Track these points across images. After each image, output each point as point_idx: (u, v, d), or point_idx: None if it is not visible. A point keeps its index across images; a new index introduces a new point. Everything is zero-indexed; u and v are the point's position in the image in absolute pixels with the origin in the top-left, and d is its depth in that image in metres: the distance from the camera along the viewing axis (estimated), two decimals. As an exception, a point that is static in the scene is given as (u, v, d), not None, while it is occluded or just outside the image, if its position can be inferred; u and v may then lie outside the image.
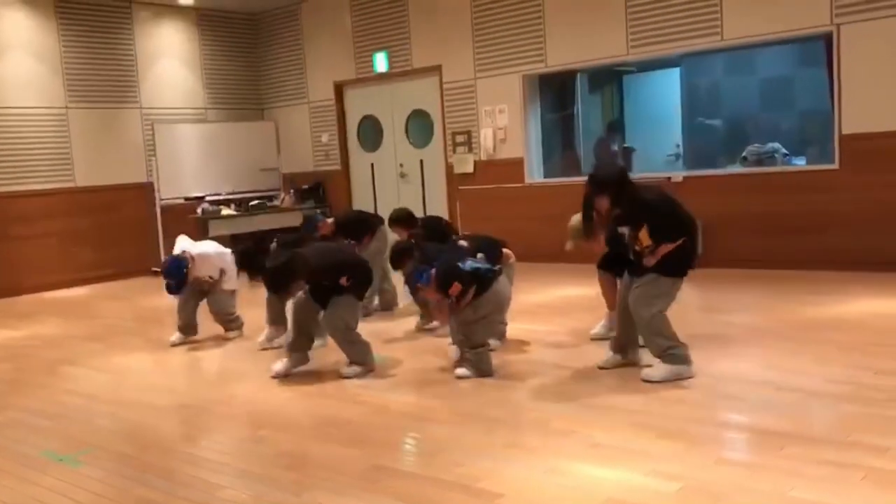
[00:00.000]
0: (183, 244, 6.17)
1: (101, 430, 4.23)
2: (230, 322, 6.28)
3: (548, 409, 4.07)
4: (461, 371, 4.68)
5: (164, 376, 5.39)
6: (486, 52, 9.52)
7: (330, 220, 6.94)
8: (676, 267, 4.53)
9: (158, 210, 10.32)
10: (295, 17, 11.38)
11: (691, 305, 6.80)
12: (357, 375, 4.84)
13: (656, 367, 4.46)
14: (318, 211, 9.86)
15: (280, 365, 4.97)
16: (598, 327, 5.42)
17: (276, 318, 5.91)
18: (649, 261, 4.44)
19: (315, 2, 11.05)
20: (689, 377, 4.39)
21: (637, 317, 4.51)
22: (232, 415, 4.39)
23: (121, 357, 5.91)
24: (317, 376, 4.94)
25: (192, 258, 6.01)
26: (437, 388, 4.57)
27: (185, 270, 5.92)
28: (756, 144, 8.70)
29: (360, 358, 4.92)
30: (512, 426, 3.88)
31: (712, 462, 3.26)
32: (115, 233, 10.18)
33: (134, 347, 6.22)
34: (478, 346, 4.71)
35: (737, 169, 8.44)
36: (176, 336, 6.20)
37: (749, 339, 5.24)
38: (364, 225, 6.88)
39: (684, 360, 4.48)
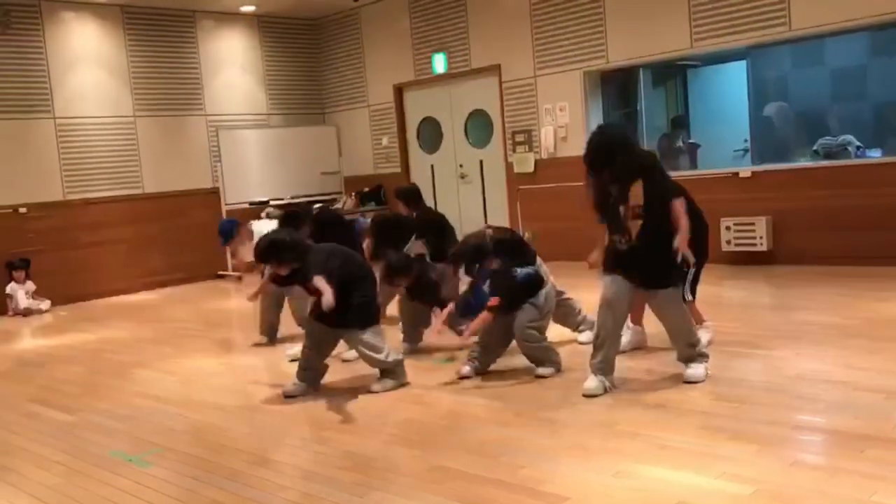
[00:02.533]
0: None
1: (170, 432, 4.29)
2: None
3: (613, 411, 3.98)
4: (543, 370, 4.63)
5: (232, 378, 5.45)
6: (545, 49, 9.43)
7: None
8: (678, 271, 4.33)
9: (224, 215, 10.48)
10: (354, 21, 11.45)
11: (764, 304, 6.68)
12: (385, 389, 4.66)
13: (695, 368, 4.30)
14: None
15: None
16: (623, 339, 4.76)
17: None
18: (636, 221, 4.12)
19: (374, 5, 11.10)
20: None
21: (678, 328, 4.34)
22: (296, 416, 4.40)
23: (189, 360, 6.01)
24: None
25: (249, 229, 6.46)
26: (500, 390, 4.51)
27: (234, 229, 6.56)
28: (827, 137, 8.40)
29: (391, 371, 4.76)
30: (577, 428, 3.80)
31: (787, 465, 3.13)
32: (183, 238, 10.38)
33: (201, 350, 6.32)
34: (542, 340, 4.67)
35: (807, 163, 8.17)
36: (260, 339, 6.30)
37: (824, 339, 5.05)
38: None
39: (707, 355, 4.39)
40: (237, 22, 11.11)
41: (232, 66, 11.11)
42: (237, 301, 9.23)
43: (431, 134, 11.03)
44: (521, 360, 4.86)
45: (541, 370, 4.66)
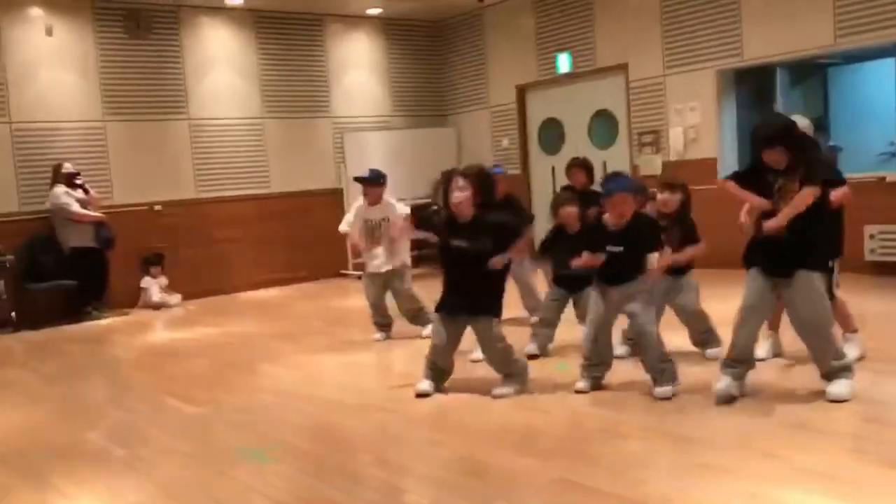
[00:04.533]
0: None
1: (291, 427, 4.33)
2: (417, 317, 6.32)
3: (746, 428, 3.74)
4: (662, 391, 4.26)
5: (352, 376, 5.46)
6: (676, 47, 9.11)
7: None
8: (823, 257, 4.10)
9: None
10: (478, 22, 11.41)
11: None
12: (510, 395, 4.52)
13: (838, 384, 3.98)
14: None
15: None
16: (761, 351, 4.60)
17: None
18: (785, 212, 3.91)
19: (499, 6, 11.02)
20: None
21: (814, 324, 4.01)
22: (416, 417, 4.35)
23: (311, 356, 6.09)
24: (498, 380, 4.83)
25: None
26: (626, 401, 4.32)
27: (381, 177, 6.46)
28: None
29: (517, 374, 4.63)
30: (707, 445, 3.57)
31: (949, 498, 2.84)
32: (308, 237, 10.59)
33: (324, 347, 6.39)
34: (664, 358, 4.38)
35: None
36: (378, 335, 6.39)
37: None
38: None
39: (852, 370, 4.03)
40: (363, 25, 11.26)
41: (357, 69, 11.27)
42: (358, 300, 9.32)
43: (553, 135, 10.85)
44: (638, 374, 4.66)
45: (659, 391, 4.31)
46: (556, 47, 10.37)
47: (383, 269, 6.37)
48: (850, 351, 4.37)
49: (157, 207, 9.59)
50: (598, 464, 3.41)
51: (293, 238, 10.53)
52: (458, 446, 3.79)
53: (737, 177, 4.22)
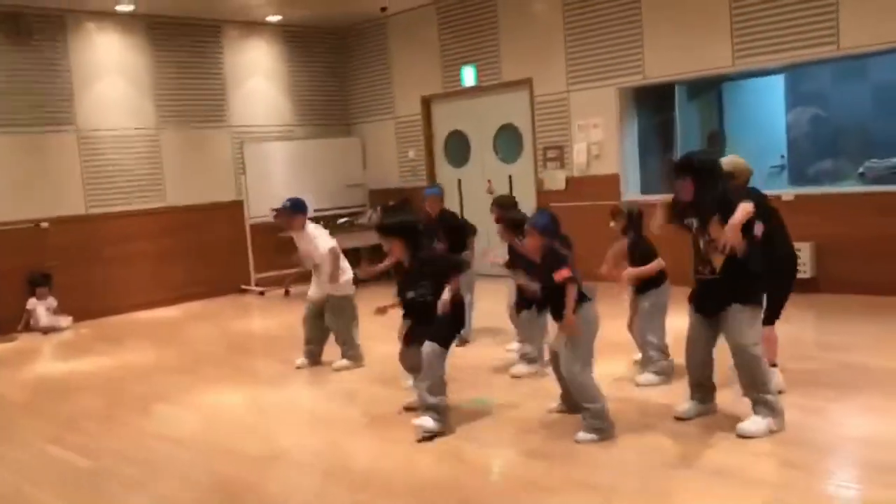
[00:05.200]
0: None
1: (191, 486, 4.07)
2: (345, 347, 6.15)
3: (670, 477, 3.71)
4: (582, 436, 4.20)
5: (258, 417, 5.21)
6: (579, 64, 9.16)
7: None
8: (757, 292, 4.20)
9: (248, 228, 10.30)
10: (382, 32, 11.22)
11: (807, 339, 6.32)
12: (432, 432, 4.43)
13: (754, 421, 4.08)
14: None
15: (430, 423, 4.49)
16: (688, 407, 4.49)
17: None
18: (719, 254, 4.05)
19: (402, 15, 10.85)
20: (780, 430, 4.07)
21: (743, 357, 4.10)
22: (330, 471, 4.16)
23: (212, 394, 5.79)
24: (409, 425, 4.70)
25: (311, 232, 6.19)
26: (542, 445, 4.25)
27: (304, 207, 6.26)
28: (874, 160, 8.08)
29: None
30: (630, 497, 3.52)
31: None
32: (206, 251, 10.20)
33: (225, 381, 6.11)
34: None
35: (855, 187, 7.83)
36: (301, 362, 6.23)
37: (878, 386, 4.75)
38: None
39: (778, 411, 4.12)
40: (263, 32, 10.90)
41: (257, 77, 10.91)
42: (260, 321, 9.04)
43: (459, 148, 10.77)
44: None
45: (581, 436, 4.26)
46: (461, 60, 10.29)
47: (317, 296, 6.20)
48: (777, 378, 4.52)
49: (44, 225, 9.03)
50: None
51: (191, 253, 10.12)
52: (374, 507, 3.62)
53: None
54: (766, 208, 4.59)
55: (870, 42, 7.18)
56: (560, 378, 4.50)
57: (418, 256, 4.71)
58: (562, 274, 4.16)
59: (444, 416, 4.50)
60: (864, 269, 7.30)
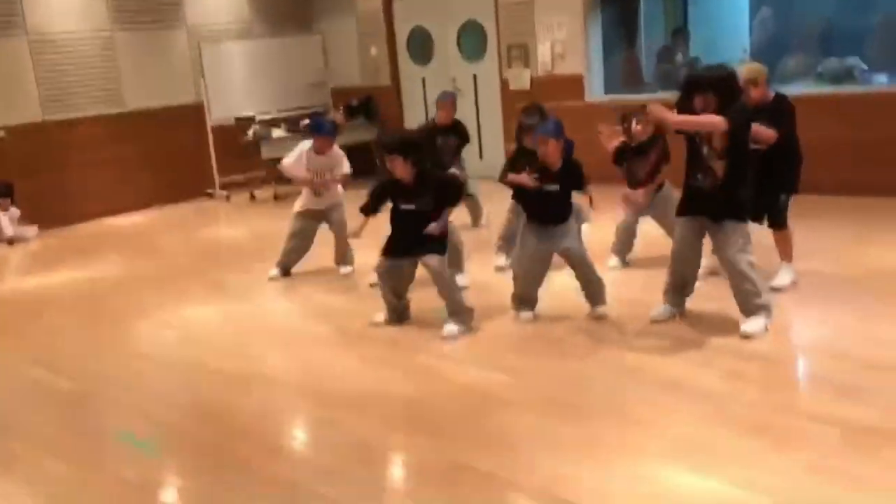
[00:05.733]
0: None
1: (176, 407, 4.26)
2: (348, 254, 6.33)
3: (623, 392, 3.96)
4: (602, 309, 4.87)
5: (233, 334, 5.36)
6: (543, -40, 8.99)
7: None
8: (748, 210, 4.49)
9: (210, 131, 10.20)
10: (340, -78, 10.83)
11: (764, 246, 6.53)
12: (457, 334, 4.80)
13: (753, 322, 4.39)
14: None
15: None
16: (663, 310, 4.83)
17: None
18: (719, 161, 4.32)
19: None
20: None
21: (736, 270, 4.40)
22: (304, 388, 4.37)
23: (186, 308, 5.93)
24: (388, 340, 4.90)
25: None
26: (509, 359, 4.49)
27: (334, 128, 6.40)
28: (833, 59, 8.14)
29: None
30: (593, 416, 3.75)
31: (804, 469, 3.13)
32: (169, 156, 10.11)
33: (198, 294, 6.24)
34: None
35: (812, 89, 7.90)
36: (273, 272, 6.35)
37: (827, 295, 5.01)
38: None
39: (771, 309, 4.45)
40: (216, -77, 10.47)
41: (211, -28, 10.55)
42: (228, 229, 9.10)
43: (423, 45, 10.63)
44: (527, 324, 4.86)
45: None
46: (423, -46, 10.03)
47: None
48: (783, 278, 5.05)
49: (0, 134, 8.87)
50: (491, 444, 3.54)
51: (153, 158, 10.03)
52: (350, 428, 3.82)
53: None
54: (789, 113, 4.93)
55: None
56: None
57: (423, 171, 4.83)
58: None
59: (469, 317, 4.88)
60: (818, 170, 7.48)
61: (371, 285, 5.51)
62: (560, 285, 5.20)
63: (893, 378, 3.83)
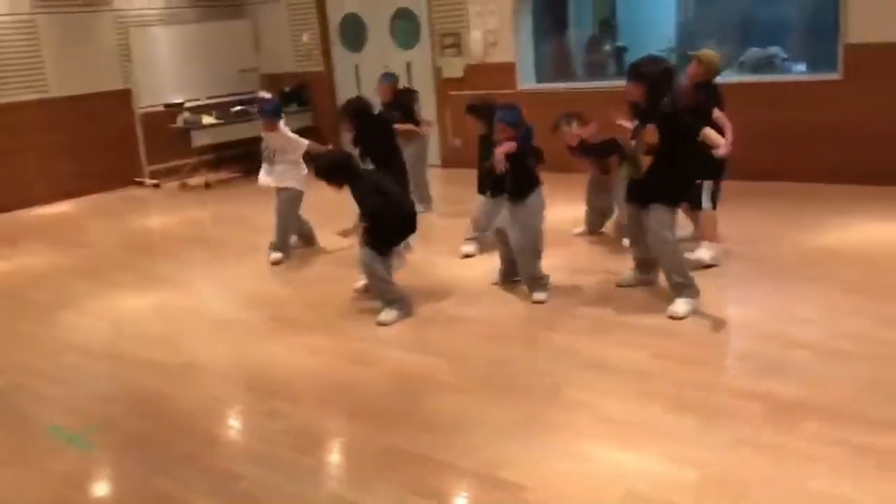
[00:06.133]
0: None
1: (108, 400, 4.19)
2: (285, 239, 6.37)
3: (557, 371, 4.05)
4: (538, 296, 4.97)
5: (165, 324, 5.29)
6: (475, -52, 9.02)
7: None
8: (675, 194, 4.69)
9: (138, 118, 9.98)
10: None
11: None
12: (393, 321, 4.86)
13: (680, 304, 4.56)
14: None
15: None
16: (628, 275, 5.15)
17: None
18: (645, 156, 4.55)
19: None
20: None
21: (660, 248, 4.62)
22: (242, 378, 4.34)
23: (117, 299, 5.82)
24: (323, 327, 4.90)
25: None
26: (445, 343, 4.54)
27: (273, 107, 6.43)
28: (755, 49, 8.40)
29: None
30: (526, 396, 3.83)
31: (730, 443, 3.26)
32: (96, 143, 9.86)
33: (129, 285, 6.12)
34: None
35: (734, 77, 8.13)
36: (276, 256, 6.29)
37: (751, 277, 5.20)
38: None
39: (696, 289, 4.63)
40: None
41: (138, -45, 10.29)
42: (158, 217, 8.93)
43: (356, 32, 10.57)
44: (461, 310, 4.92)
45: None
46: (354, -60, 9.96)
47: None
48: (702, 253, 5.30)
49: (-82, 119, 8.54)
50: (428, 427, 3.59)
51: (80, 145, 9.77)
52: (288, 415, 3.83)
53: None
54: (718, 102, 5.28)
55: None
56: (505, 254, 5.17)
57: (360, 186, 4.90)
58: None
59: (404, 303, 4.94)
60: (741, 157, 7.71)
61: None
62: (492, 269, 5.28)
63: (811, 355, 4.00)
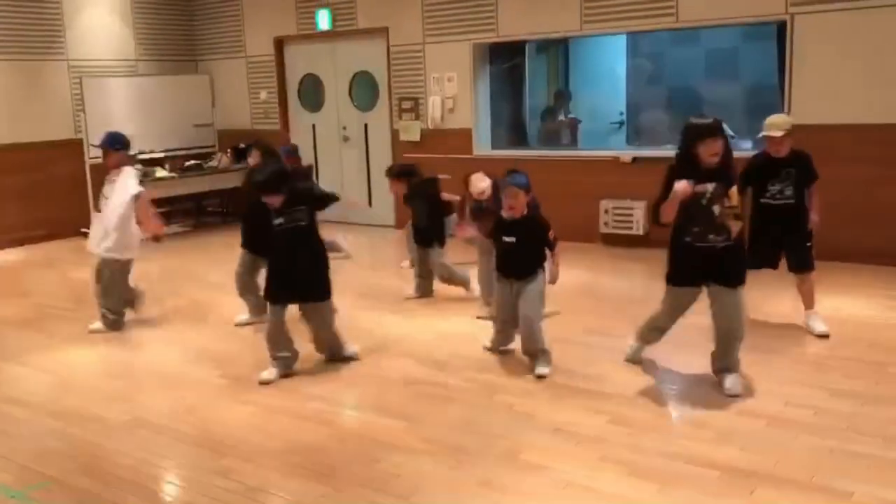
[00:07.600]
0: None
1: (53, 456, 4.04)
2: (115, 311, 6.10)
3: (516, 435, 4.04)
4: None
5: (111, 378, 5.16)
6: (435, 17, 9.25)
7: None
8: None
9: (88, 168, 9.86)
10: (232, -34, 10.83)
11: (636, 298, 6.82)
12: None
13: (737, 379, 4.52)
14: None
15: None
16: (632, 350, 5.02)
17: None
18: (736, 220, 4.29)
19: (254, -49, 10.51)
20: None
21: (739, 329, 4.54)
22: (192, 436, 4.23)
23: (61, 352, 5.66)
24: (276, 384, 4.83)
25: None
26: (402, 404, 4.50)
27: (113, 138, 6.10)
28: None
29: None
30: (484, 459, 3.81)
31: (687, 510, 3.29)
32: (44, 192, 9.73)
33: (74, 338, 5.96)
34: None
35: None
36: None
37: (703, 343, 5.28)
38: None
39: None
40: (103, -42, 10.27)
41: (96, 7, 10.31)
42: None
43: (314, 92, 10.68)
44: (421, 369, 4.89)
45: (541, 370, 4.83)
46: (316, 3, 10.13)
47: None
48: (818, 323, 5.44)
49: None
50: (384, 488, 3.54)
51: (27, 194, 9.64)
52: (241, 475, 3.73)
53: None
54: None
55: (704, 17, 7.72)
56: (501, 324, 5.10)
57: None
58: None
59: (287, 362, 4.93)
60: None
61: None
62: (450, 330, 5.29)
63: (764, 424, 4.08)
